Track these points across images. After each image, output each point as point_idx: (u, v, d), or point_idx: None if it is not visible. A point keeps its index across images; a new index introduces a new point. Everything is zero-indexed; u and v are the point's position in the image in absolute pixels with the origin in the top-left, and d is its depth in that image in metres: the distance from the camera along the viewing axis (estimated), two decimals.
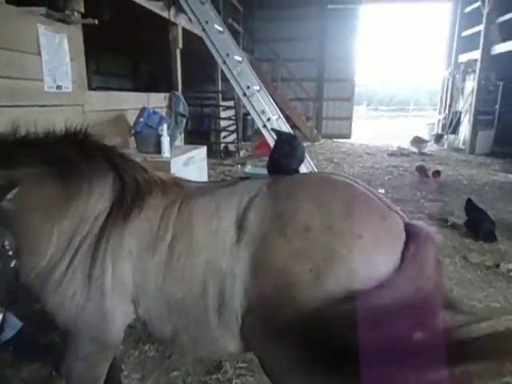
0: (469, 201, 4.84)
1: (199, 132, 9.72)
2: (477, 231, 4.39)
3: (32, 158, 1.45)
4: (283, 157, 1.58)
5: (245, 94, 4.31)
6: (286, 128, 4.34)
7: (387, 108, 38.53)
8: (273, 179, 1.51)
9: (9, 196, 1.26)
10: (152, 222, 1.46)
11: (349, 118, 14.99)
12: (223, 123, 10.04)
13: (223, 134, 10.08)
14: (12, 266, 1.26)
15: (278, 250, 1.24)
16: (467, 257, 3.92)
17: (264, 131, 4.30)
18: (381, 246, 1.24)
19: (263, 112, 4.15)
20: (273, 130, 1.90)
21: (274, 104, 4.50)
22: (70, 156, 1.48)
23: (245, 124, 11.87)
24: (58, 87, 3.43)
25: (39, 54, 3.14)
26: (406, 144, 12.02)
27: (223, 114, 9.97)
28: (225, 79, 9.34)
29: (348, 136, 14.86)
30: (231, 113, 10.06)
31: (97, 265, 1.41)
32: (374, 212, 1.31)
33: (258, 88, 4.41)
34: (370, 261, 1.21)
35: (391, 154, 10.80)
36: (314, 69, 14.42)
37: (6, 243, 1.25)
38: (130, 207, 1.47)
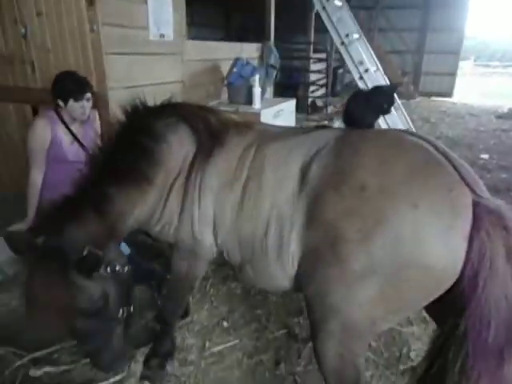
0: None
1: (287, 85, 9.51)
2: None
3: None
4: (357, 109, 1.56)
5: (343, 43, 4.06)
6: (383, 81, 4.05)
7: (499, 64, 33.59)
8: (344, 132, 1.50)
9: None
10: (231, 163, 1.62)
11: (452, 74, 13.44)
12: (312, 77, 9.71)
13: (312, 88, 9.78)
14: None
15: (331, 205, 1.26)
16: None
17: (360, 83, 4.05)
18: (438, 220, 1.12)
19: (361, 63, 3.89)
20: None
21: (373, 54, 4.19)
22: (148, 125, 1.70)
23: (334, 79, 11.31)
24: (161, 36, 3.58)
25: (146, 2, 3.29)
26: None
27: (313, 67, 9.62)
28: (317, 30, 8.97)
29: (449, 94, 13.41)
30: (321, 66, 9.64)
31: (188, 197, 1.65)
32: (440, 181, 1.18)
33: (357, 36, 4.11)
34: (421, 235, 1.12)
35: (500, 117, 9.56)
36: (416, 17, 12.98)
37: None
38: (210, 148, 1.65)
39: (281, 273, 1.47)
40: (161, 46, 3.58)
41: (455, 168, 1.22)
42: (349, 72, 11.26)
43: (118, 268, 1.52)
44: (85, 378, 1.93)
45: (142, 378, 1.96)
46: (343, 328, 1.28)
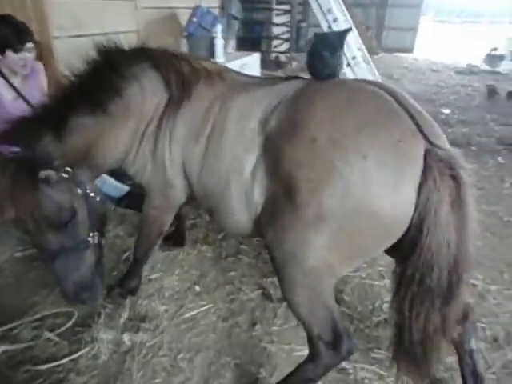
0: None
1: (249, 39, 9.08)
2: None
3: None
4: (317, 60, 1.51)
5: None
6: (352, 33, 3.89)
7: (458, 20, 33.96)
8: (303, 84, 1.51)
9: None
10: (197, 115, 1.66)
11: (414, 29, 13.39)
12: (275, 30, 9.31)
13: (275, 42, 9.40)
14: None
15: (286, 157, 1.30)
16: None
17: (325, 28, 3.87)
18: (387, 171, 1.15)
19: (330, 11, 3.69)
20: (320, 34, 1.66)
21: (342, 3, 3.99)
22: (120, 65, 1.71)
23: (298, 32, 10.94)
24: None
25: None
26: (478, 61, 10.70)
27: (276, 20, 9.20)
28: None
29: (410, 50, 13.42)
30: (285, 19, 9.25)
31: (159, 145, 1.74)
32: (390, 132, 1.19)
33: None
34: (370, 185, 1.16)
35: (459, 72, 9.72)
36: None
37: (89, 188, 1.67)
38: (180, 99, 1.70)
39: (246, 220, 1.53)
40: None
41: (412, 117, 1.23)
42: (313, 26, 10.99)
43: (88, 191, 1.66)
44: (48, 354, 1.81)
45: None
46: (302, 273, 1.32)
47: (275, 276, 2.31)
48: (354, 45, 3.91)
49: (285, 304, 2.09)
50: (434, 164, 1.13)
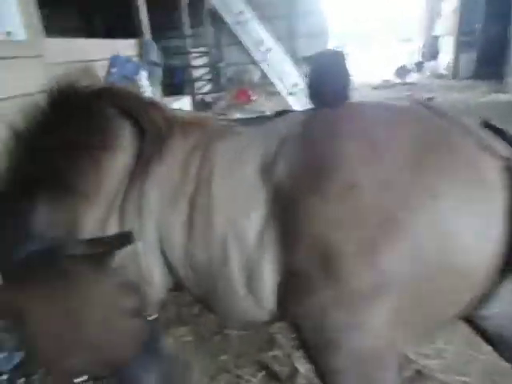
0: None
1: (172, 84, 8.89)
2: None
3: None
4: (325, 82, 1.20)
5: (238, 22, 3.65)
6: (287, 60, 3.77)
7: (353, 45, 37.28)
8: (306, 116, 1.16)
9: None
10: (173, 173, 1.22)
11: None
12: (196, 73, 9.24)
13: (197, 84, 9.30)
14: None
15: (314, 214, 0.95)
16: None
17: (263, 66, 3.71)
18: (468, 208, 0.88)
19: (261, 42, 3.54)
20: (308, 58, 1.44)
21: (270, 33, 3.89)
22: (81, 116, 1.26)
23: (218, 72, 11.01)
24: (8, 34, 2.74)
25: None
26: (387, 76, 11.53)
27: (194, 63, 9.14)
28: (193, 24, 8.50)
29: None
30: (203, 61, 9.24)
31: (127, 222, 1.22)
32: (459, 156, 0.91)
33: (250, 15, 3.75)
34: (449, 232, 0.87)
35: (376, 88, 10.35)
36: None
37: None
38: (151, 155, 1.24)
39: (255, 307, 1.13)
40: (8, 48, 2.73)
41: (470, 133, 0.94)
42: (232, 64, 11.14)
43: None
44: None
45: None
46: (353, 361, 0.97)
47: (275, 347, 1.95)
48: (293, 72, 3.80)
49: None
50: None
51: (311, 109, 1.22)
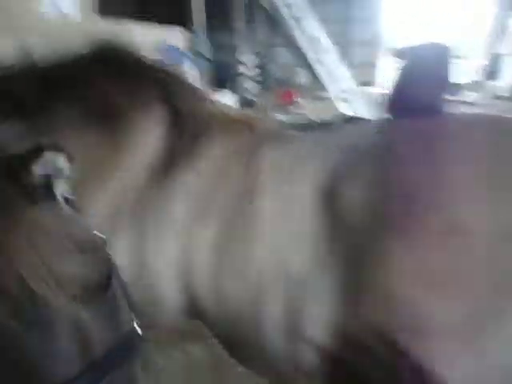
0: None
1: (217, 79, 8.90)
2: None
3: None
4: (423, 82, 0.91)
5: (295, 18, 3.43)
6: (343, 65, 3.50)
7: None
8: (394, 126, 0.92)
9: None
10: (206, 181, 1.00)
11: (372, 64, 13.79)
12: (243, 70, 9.22)
13: (242, 81, 9.27)
14: None
15: (397, 263, 0.70)
16: None
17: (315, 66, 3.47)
18: None
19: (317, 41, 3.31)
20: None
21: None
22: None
23: (264, 71, 10.93)
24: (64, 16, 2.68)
25: None
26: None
27: (243, 59, 9.12)
28: (247, 22, 8.46)
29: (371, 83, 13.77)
30: (252, 59, 9.18)
31: (136, 232, 1.00)
32: None
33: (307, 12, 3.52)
34: None
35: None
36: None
37: None
38: (184, 152, 1.02)
39: (290, 367, 0.91)
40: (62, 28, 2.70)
41: None
42: (280, 66, 11.05)
43: None
44: None
45: None
46: None
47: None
48: (347, 76, 3.55)
49: None
50: None
51: (396, 118, 0.95)
